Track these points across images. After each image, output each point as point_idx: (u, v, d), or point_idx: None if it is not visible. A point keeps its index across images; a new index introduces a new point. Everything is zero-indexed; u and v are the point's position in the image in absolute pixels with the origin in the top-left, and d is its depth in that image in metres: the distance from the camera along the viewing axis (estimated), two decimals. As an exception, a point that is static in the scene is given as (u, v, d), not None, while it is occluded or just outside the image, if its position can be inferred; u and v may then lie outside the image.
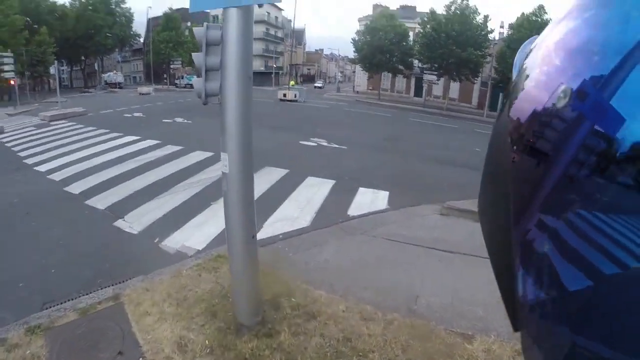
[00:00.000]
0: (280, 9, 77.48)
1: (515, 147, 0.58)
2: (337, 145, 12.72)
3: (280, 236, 5.60)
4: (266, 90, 49.04)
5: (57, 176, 9.06)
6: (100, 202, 7.13)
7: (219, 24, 2.71)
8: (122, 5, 65.59)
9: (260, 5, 2.68)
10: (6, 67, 25.96)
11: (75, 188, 8.03)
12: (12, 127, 18.80)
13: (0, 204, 7.44)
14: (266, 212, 6.37)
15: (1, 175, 9.82)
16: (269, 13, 72.89)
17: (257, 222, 5.73)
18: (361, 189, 7.83)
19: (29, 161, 10.87)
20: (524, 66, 0.65)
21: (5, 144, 14.30)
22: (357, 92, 52.70)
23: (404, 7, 52.85)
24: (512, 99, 0.63)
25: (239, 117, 2.91)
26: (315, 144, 12.82)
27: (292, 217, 6.29)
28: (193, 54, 2.86)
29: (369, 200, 7.34)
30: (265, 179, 8.13)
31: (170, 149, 11.30)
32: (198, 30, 2.73)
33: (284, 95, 33.95)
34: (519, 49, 0.77)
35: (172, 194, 7.40)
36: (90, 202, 7.18)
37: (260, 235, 5.54)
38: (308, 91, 43.41)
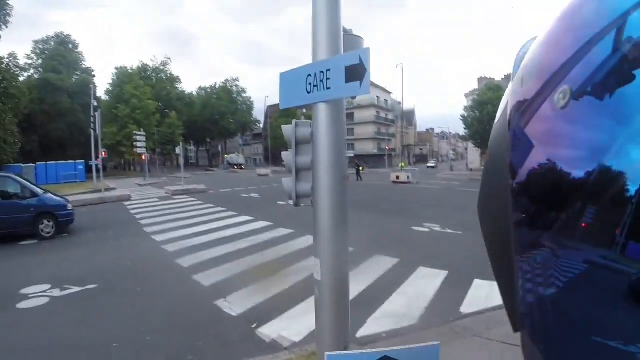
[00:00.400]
0: (389, 92, 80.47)
1: (511, 148, 0.58)
2: (451, 231, 11.95)
3: (384, 335, 5.11)
4: (379, 172, 49.68)
5: (170, 247, 9.85)
6: (207, 278, 7.40)
7: (308, 121, 2.66)
8: (243, 95, 74.73)
9: (353, 97, 2.58)
10: (139, 144, 30.51)
11: (185, 261, 8.54)
12: (138, 196, 21.43)
13: (115, 265, 8.32)
14: (372, 305, 5.98)
15: (120, 238, 11.14)
16: (378, 97, 76.09)
17: (361, 316, 5.45)
18: (476, 281, 7.02)
19: (148, 229, 12.09)
20: (520, 65, 0.65)
21: (130, 211, 16.29)
22: (471, 169, 50.89)
23: (508, 77, 51.41)
24: (510, 98, 0.64)
25: (333, 221, 2.70)
26: (428, 230, 12.19)
27: (399, 314, 5.79)
28: (283, 153, 2.82)
29: (484, 294, 6.51)
30: (374, 269, 7.80)
31: (281, 231, 11.61)
32: (286, 129, 2.69)
33: (397, 177, 34.09)
34: (520, 49, 0.76)
35: (278, 279, 7.38)
36: (197, 277, 7.51)
37: (363, 332, 5.17)
38: (421, 172, 43.05)
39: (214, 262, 8.47)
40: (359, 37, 2.69)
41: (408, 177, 33.66)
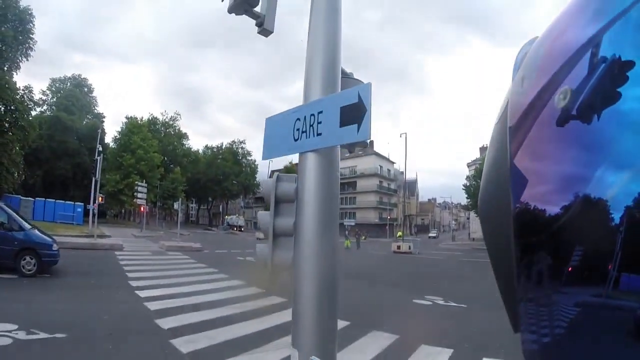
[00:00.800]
0: (392, 162, 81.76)
1: (511, 149, 0.56)
2: (454, 304, 11.34)
3: None
4: (381, 241, 49.14)
5: (153, 305, 9.19)
6: (185, 345, 6.69)
7: (293, 175, 2.19)
8: (248, 157, 76.03)
9: (351, 151, 2.17)
10: (140, 195, 30.56)
11: (166, 323, 7.86)
12: (131, 247, 21.16)
13: (90, 316, 7.77)
14: (368, 391, 5.33)
15: (103, 288, 10.66)
16: (381, 166, 77.20)
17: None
18: (484, 360, 6.43)
19: (133, 283, 11.62)
20: (522, 66, 0.63)
21: (120, 261, 15.96)
22: (473, 239, 50.50)
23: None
24: (510, 98, 0.62)
25: (317, 303, 2.05)
26: (431, 303, 11.55)
27: (397, 401, 5.13)
28: (259, 213, 2.31)
29: (494, 375, 5.96)
30: (370, 347, 7.11)
31: (274, 299, 10.90)
32: (265, 183, 2.22)
33: (398, 247, 34.19)
34: (520, 49, 0.73)
35: (265, 352, 6.66)
36: (175, 341, 6.79)
37: None
38: (422, 242, 42.73)
39: (196, 327, 7.76)
40: (360, 81, 2.32)
41: (409, 247, 33.92)
